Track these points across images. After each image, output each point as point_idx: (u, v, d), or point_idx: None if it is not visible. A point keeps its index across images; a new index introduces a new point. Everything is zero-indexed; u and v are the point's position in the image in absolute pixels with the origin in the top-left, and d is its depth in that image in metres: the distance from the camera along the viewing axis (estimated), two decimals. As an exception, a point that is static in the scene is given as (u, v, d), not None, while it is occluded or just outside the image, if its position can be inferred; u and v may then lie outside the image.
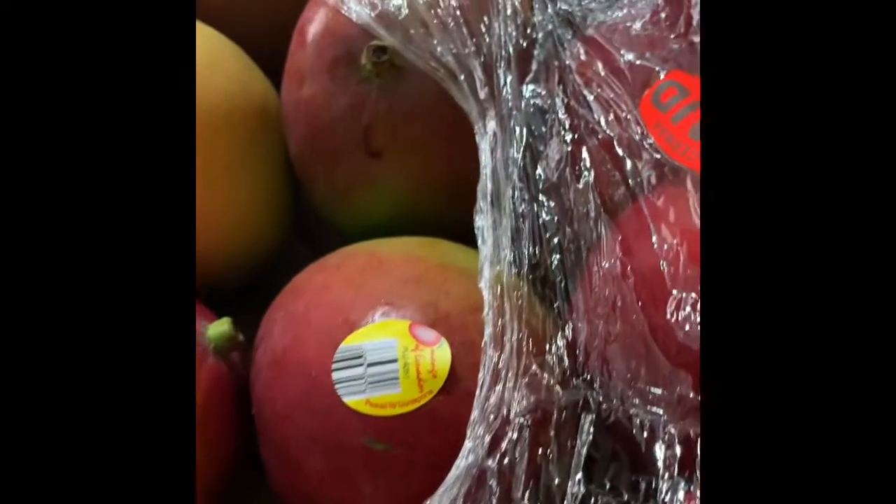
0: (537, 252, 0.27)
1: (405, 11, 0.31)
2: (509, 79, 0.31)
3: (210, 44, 0.36)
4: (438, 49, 0.31)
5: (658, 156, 0.28)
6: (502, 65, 0.31)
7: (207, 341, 0.30)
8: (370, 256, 0.30)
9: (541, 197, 0.28)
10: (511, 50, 0.31)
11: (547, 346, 0.27)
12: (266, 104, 0.36)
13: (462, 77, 0.30)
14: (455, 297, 0.28)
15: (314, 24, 0.33)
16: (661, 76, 0.29)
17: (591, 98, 0.30)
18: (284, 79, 0.35)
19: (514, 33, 0.32)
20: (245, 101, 0.35)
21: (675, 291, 0.25)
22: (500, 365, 0.26)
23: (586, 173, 0.28)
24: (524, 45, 0.32)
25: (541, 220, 0.28)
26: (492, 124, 0.29)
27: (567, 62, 0.32)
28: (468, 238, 0.33)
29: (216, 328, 0.31)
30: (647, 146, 0.28)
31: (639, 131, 0.28)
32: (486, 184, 0.28)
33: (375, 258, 0.30)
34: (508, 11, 0.32)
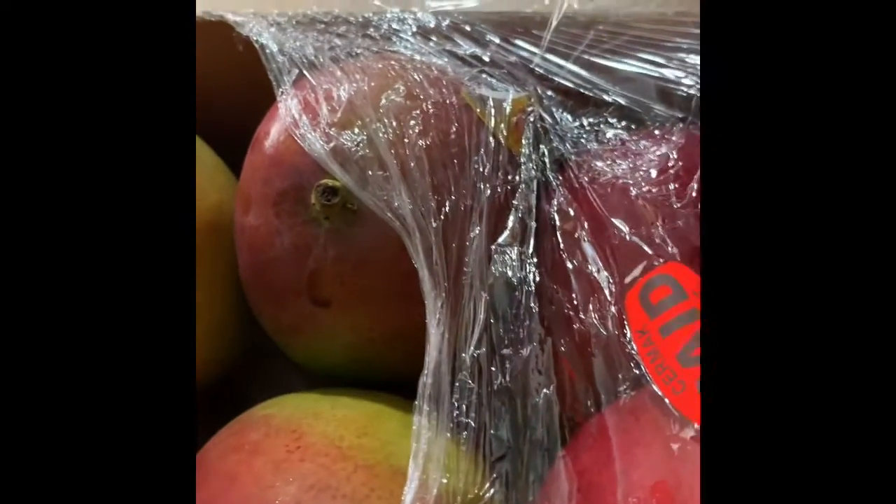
0: (478, 479, 0.22)
1: (363, 149, 0.27)
2: (476, 237, 0.26)
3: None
4: (395, 200, 0.26)
5: (637, 372, 0.22)
6: (473, 217, 0.26)
7: None
8: (293, 439, 0.26)
9: (492, 402, 0.23)
10: (485, 198, 0.26)
11: None
12: (220, 215, 0.32)
13: (417, 237, 0.25)
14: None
15: (266, 143, 0.29)
16: (655, 265, 0.24)
17: (571, 270, 0.25)
18: (236, 195, 0.31)
19: (491, 175, 0.27)
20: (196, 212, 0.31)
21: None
22: None
23: (547, 384, 0.23)
24: (501, 192, 0.27)
25: (486, 437, 0.23)
26: (440, 311, 0.24)
27: (552, 215, 0.27)
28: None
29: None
30: (627, 353, 0.23)
31: (621, 333, 0.23)
32: (426, 379, 0.23)
33: (297, 443, 0.25)
34: (491, 145, 0.27)
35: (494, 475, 0.22)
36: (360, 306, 0.28)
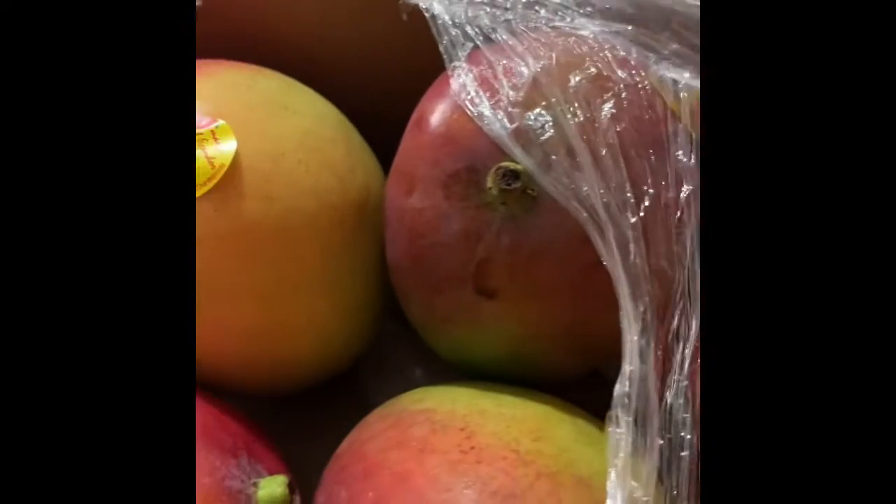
0: (691, 498, 0.20)
1: (549, 131, 0.25)
2: (684, 236, 0.23)
3: (307, 120, 0.30)
4: (584, 187, 0.24)
5: None
6: (678, 213, 0.24)
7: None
8: (464, 438, 0.24)
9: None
10: (691, 193, 0.24)
11: None
12: (367, 196, 0.30)
13: (611, 231, 0.23)
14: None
15: (434, 122, 0.27)
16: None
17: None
18: (392, 175, 0.29)
19: (695, 169, 0.24)
20: (342, 197, 0.29)
21: None
22: None
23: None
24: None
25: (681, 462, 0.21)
26: (642, 318, 0.22)
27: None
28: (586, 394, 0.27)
29: (268, 489, 0.25)
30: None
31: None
32: (625, 391, 0.21)
33: (470, 443, 0.24)
34: (691, 134, 0.25)
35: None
36: (530, 300, 0.26)
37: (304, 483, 0.28)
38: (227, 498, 0.24)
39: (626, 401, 0.21)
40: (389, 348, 0.40)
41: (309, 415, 0.35)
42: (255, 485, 0.25)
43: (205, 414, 0.27)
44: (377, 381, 0.40)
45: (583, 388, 0.28)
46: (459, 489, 0.22)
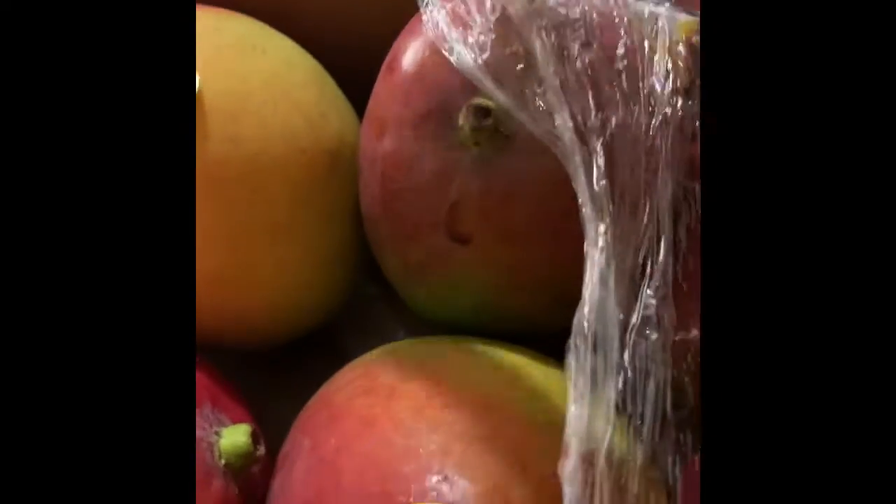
0: (626, 438, 0.20)
1: (522, 63, 0.24)
2: (654, 160, 0.22)
3: (276, 63, 0.29)
4: (557, 119, 0.23)
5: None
6: (649, 139, 0.23)
7: (218, 455, 0.24)
8: (433, 385, 0.23)
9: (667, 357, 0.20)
10: (662, 120, 0.23)
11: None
12: (340, 142, 0.29)
13: (577, 157, 0.22)
14: (536, 479, 0.20)
15: (406, 61, 0.26)
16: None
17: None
18: (364, 120, 0.28)
19: (670, 97, 0.23)
20: (312, 142, 0.28)
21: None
22: None
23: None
24: (681, 120, 0.24)
25: (646, 394, 0.20)
26: (603, 237, 0.21)
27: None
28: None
29: (230, 438, 0.24)
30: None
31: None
32: (584, 316, 0.20)
33: (437, 389, 0.23)
34: (668, 66, 0.24)
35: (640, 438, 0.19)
36: (505, 245, 0.25)
37: (275, 441, 0.27)
38: (188, 444, 0.23)
39: (585, 326, 0.20)
40: (370, 310, 0.39)
41: (286, 374, 0.34)
42: (217, 434, 0.25)
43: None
44: (357, 342, 0.39)
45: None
46: (425, 431, 0.21)
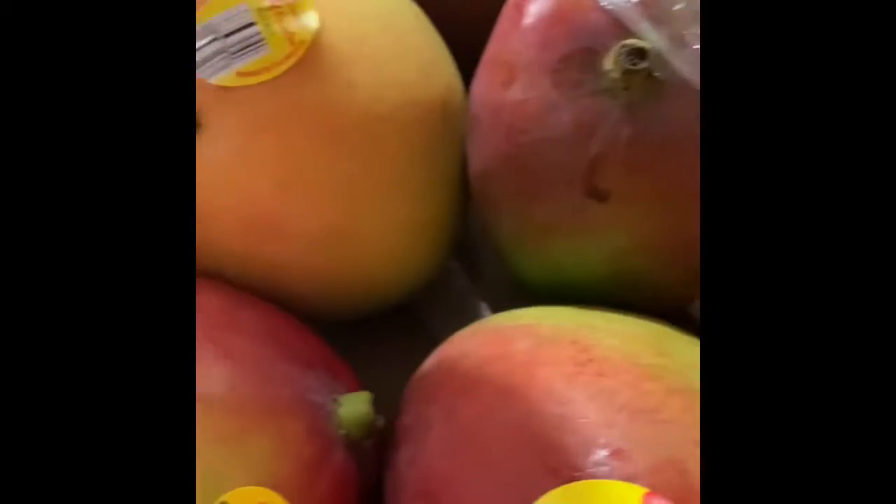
0: None
1: (681, 3, 0.21)
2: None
3: (391, 6, 0.27)
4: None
5: None
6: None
7: (337, 424, 0.22)
8: (580, 351, 0.21)
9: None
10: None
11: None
12: (449, 93, 0.27)
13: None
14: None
15: (540, 2, 0.24)
16: None
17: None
18: (482, 68, 0.26)
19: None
20: (425, 91, 0.26)
21: None
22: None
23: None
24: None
25: None
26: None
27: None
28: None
29: (351, 407, 0.22)
30: None
31: None
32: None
33: (586, 356, 0.21)
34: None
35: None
36: (648, 204, 0.23)
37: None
38: (311, 410, 0.22)
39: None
40: (451, 284, 0.37)
41: (367, 347, 0.33)
42: (335, 401, 0.23)
43: (282, 324, 0.24)
44: (439, 316, 0.37)
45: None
46: (582, 400, 0.19)
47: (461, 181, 0.28)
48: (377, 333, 0.34)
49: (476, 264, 0.38)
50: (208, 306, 0.23)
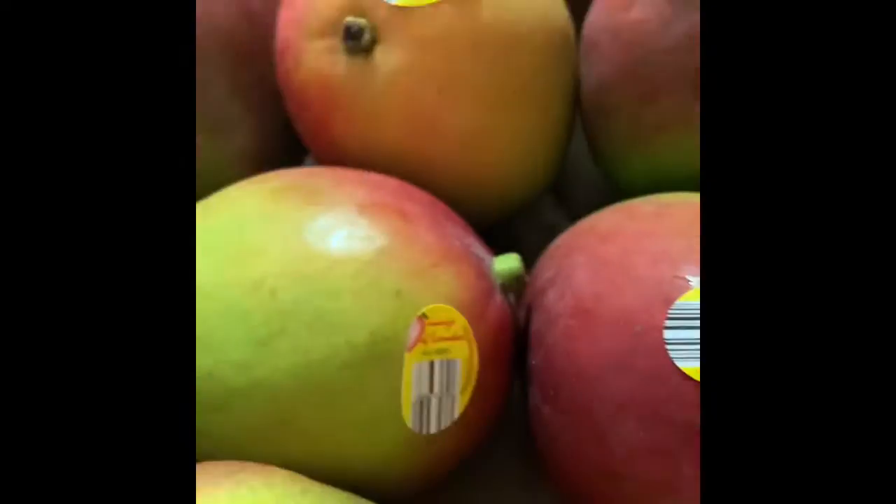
0: None
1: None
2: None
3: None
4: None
5: None
6: None
7: (494, 276, 0.27)
8: (693, 209, 0.26)
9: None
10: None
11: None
12: (567, 27, 0.33)
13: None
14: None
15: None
16: None
17: None
18: (599, 1, 0.32)
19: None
20: (552, 21, 0.32)
21: None
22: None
23: None
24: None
25: None
26: None
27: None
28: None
29: (504, 263, 0.28)
30: None
31: None
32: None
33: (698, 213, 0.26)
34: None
35: None
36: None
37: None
38: (476, 260, 0.27)
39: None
40: (542, 216, 0.41)
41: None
42: (491, 258, 0.28)
43: (441, 203, 0.29)
44: (525, 233, 0.41)
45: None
46: (698, 238, 0.24)
47: (572, 101, 0.33)
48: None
49: (566, 199, 0.42)
50: (386, 183, 0.28)
